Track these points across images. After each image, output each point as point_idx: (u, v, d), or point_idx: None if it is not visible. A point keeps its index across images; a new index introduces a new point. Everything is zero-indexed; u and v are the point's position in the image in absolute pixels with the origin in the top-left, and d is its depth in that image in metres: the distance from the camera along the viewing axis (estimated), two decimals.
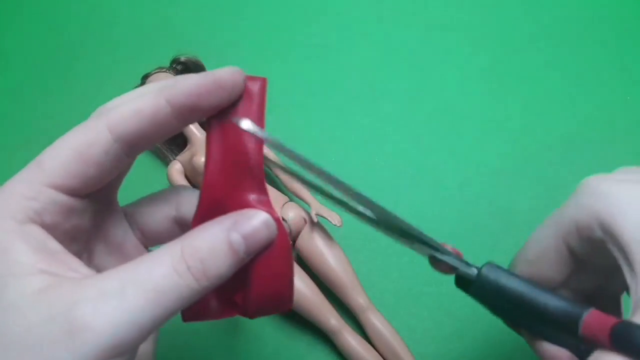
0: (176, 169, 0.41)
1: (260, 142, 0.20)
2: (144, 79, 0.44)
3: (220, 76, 0.19)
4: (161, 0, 0.53)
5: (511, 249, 0.27)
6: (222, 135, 0.20)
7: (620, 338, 0.18)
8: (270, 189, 0.39)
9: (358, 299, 0.37)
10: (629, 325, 0.18)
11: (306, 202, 0.39)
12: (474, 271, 0.23)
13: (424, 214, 0.42)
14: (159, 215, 0.23)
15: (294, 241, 0.39)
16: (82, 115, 0.50)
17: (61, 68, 0.50)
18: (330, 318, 0.36)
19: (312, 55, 0.50)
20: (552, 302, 0.21)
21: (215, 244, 0.18)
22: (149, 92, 0.19)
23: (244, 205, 0.20)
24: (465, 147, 0.45)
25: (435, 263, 0.24)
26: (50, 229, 0.19)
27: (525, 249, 0.24)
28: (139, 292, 0.17)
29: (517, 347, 0.37)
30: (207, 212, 0.20)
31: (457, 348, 0.38)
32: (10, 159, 0.46)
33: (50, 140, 0.47)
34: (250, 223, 0.19)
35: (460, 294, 0.39)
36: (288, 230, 0.21)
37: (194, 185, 0.41)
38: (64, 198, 0.19)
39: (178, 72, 0.44)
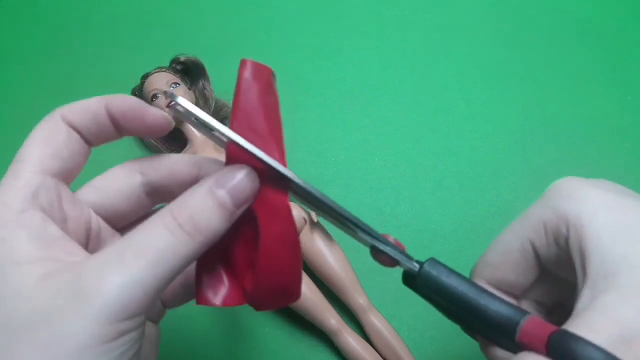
0: None
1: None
2: (144, 79, 0.44)
3: (148, 114, 0.21)
4: (162, 0, 0.53)
5: None
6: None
7: (556, 347, 0.18)
8: None
9: (358, 299, 0.37)
10: (566, 334, 0.18)
11: None
12: (416, 266, 0.22)
13: (424, 214, 0.42)
14: (122, 187, 0.23)
15: None
16: None
17: (61, 68, 0.50)
18: (331, 318, 0.36)
19: (313, 55, 0.50)
20: (493, 304, 0.20)
21: (201, 201, 0.19)
22: (100, 97, 0.22)
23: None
24: (465, 147, 0.45)
25: (377, 254, 0.22)
26: (49, 210, 0.19)
27: (489, 252, 0.24)
28: (137, 255, 0.17)
29: None
30: None
31: (457, 348, 0.38)
32: (11, 158, 0.46)
33: None
34: (232, 175, 0.19)
35: None
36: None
37: None
38: (52, 180, 0.20)
39: (178, 72, 0.44)
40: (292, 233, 0.20)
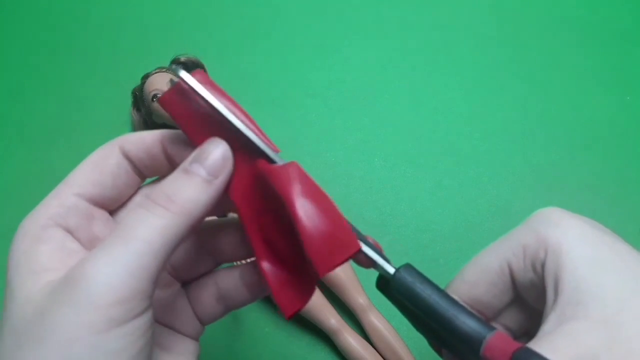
0: None
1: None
2: (144, 79, 0.44)
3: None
4: (162, 1, 0.53)
5: None
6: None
7: None
8: None
9: (358, 298, 0.37)
10: (529, 352, 0.18)
11: None
12: (392, 270, 0.22)
13: (424, 214, 0.42)
14: (113, 170, 0.23)
15: None
16: (82, 115, 0.50)
17: (61, 68, 0.50)
18: (330, 318, 0.36)
19: (312, 55, 0.50)
20: (462, 316, 0.20)
21: (173, 177, 0.19)
22: (156, 132, 0.22)
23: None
24: (465, 147, 0.45)
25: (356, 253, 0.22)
26: (75, 231, 0.20)
27: (465, 270, 0.24)
28: (117, 240, 0.18)
29: None
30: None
31: None
32: (11, 158, 0.46)
33: (50, 140, 0.47)
34: (204, 149, 0.20)
35: None
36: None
37: None
38: (85, 204, 0.21)
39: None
40: (310, 183, 0.20)
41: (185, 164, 0.20)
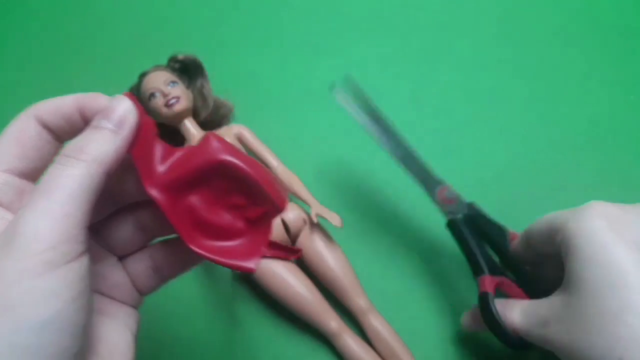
0: None
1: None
2: (141, 78, 0.43)
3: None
4: (160, 0, 0.53)
5: None
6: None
7: None
8: None
9: (358, 300, 0.37)
10: (492, 296, 0.32)
11: (306, 203, 0.38)
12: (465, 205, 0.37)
13: (425, 214, 0.42)
14: (35, 143, 0.23)
15: (294, 242, 0.38)
16: None
17: (59, 67, 0.50)
18: (331, 320, 0.36)
19: (312, 54, 0.49)
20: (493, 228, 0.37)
21: (84, 133, 0.21)
22: (72, 98, 0.23)
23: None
24: (465, 148, 0.45)
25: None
26: (9, 207, 0.21)
27: (530, 226, 0.33)
28: (40, 194, 0.19)
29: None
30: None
31: (458, 350, 0.38)
32: None
33: None
34: (108, 106, 0.22)
35: (462, 295, 0.39)
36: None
37: None
38: (16, 180, 0.22)
39: (176, 71, 0.44)
40: (232, 146, 0.24)
41: (94, 122, 0.21)
